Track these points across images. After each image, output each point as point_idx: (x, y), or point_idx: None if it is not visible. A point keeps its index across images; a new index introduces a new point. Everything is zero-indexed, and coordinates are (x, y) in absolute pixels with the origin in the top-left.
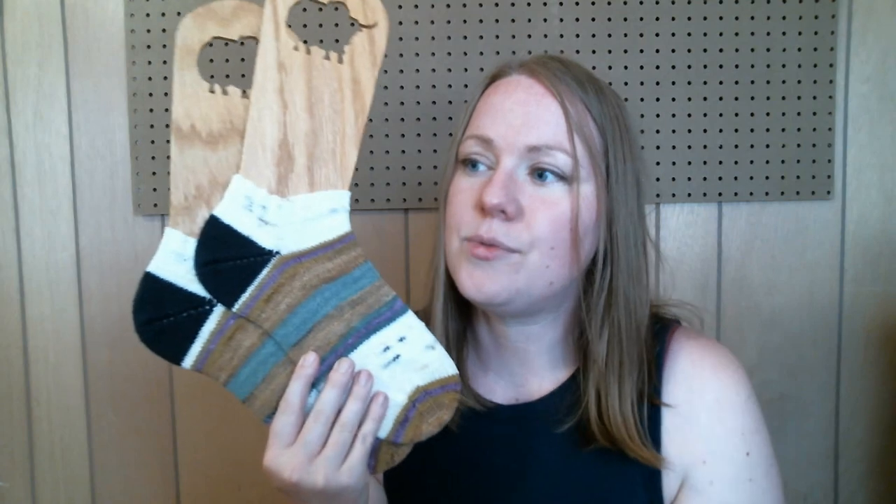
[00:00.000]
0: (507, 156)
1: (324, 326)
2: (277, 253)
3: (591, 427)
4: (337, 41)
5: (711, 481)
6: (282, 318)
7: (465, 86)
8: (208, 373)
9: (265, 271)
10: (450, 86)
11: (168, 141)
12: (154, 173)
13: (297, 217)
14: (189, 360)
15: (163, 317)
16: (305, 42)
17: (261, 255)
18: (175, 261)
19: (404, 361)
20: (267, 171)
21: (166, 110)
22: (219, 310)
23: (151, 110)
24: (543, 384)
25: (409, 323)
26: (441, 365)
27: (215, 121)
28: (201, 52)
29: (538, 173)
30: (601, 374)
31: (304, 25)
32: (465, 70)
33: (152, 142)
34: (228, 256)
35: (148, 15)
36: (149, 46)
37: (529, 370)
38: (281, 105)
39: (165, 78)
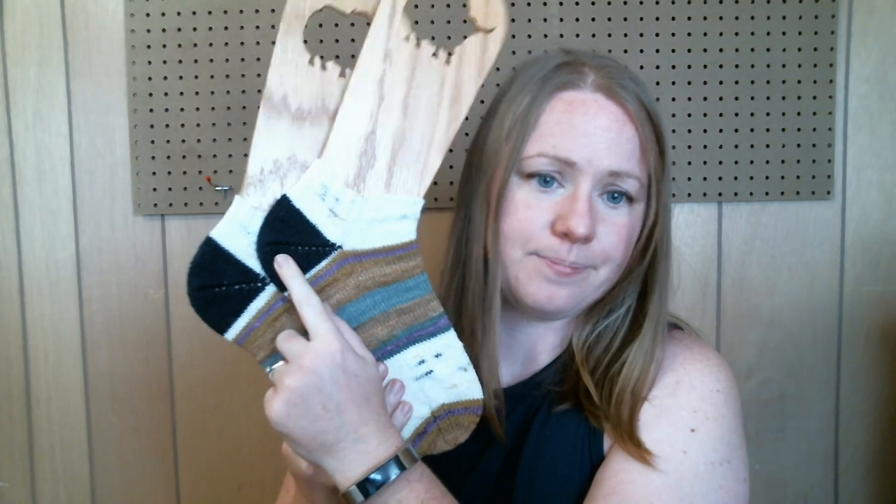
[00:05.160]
0: (586, 179)
1: (367, 328)
2: (340, 247)
3: (581, 398)
4: (449, 38)
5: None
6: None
7: None
8: (248, 348)
9: (324, 262)
10: None
11: (168, 141)
12: (154, 173)
13: (367, 216)
14: (232, 333)
15: (215, 285)
16: (416, 33)
17: (324, 246)
18: (238, 231)
19: (436, 378)
20: (348, 163)
21: (166, 110)
22: (270, 289)
23: (151, 110)
24: (537, 364)
25: (449, 342)
26: (469, 388)
27: (307, 96)
28: (309, 20)
29: (610, 195)
30: (620, 358)
31: (416, 5)
32: None
33: (152, 142)
34: (292, 241)
35: (148, 15)
36: (149, 46)
37: (531, 357)
38: (377, 96)
39: (165, 78)
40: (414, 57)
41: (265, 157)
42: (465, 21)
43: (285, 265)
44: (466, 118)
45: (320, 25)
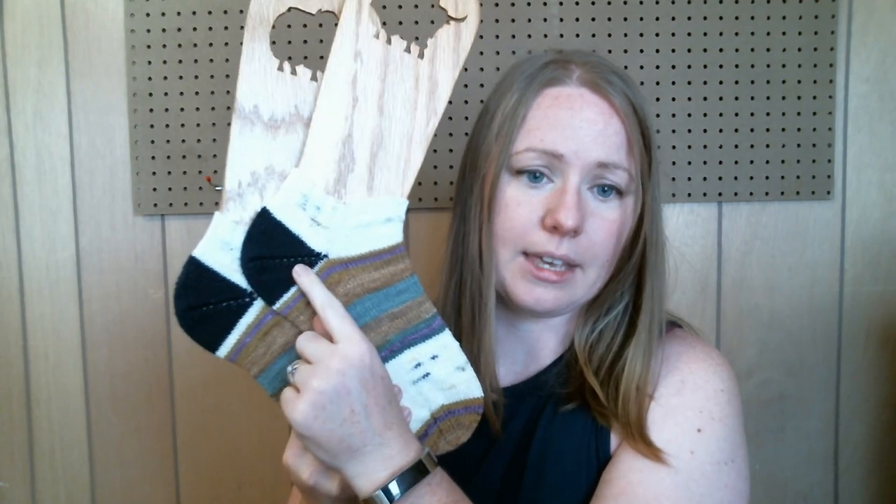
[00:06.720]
0: (574, 172)
1: None
2: (325, 256)
3: (587, 398)
4: (416, 39)
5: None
6: None
7: (465, 86)
8: (241, 364)
9: None
10: None
11: (168, 141)
12: (154, 173)
13: (351, 222)
14: (224, 351)
15: (203, 304)
16: (386, 29)
17: (309, 257)
18: (221, 248)
19: (433, 380)
20: (326, 169)
21: (166, 110)
22: (258, 304)
23: (151, 110)
24: (539, 362)
25: (445, 342)
26: (468, 387)
27: (279, 104)
28: (275, 24)
29: (600, 189)
30: (621, 357)
31: (384, 6)
32: (465, 70)
33: (152, 142)
34: (276, 254)
35: (148, 15)
36: (149, 46)
37: (532, 355)
38: (351, 98)
39: (165, 78)
40: (385, 54)
41: (242, 170)
42: (430, 13)
43: (304, 274)
44: (466, 118)
45: (288, 26)
